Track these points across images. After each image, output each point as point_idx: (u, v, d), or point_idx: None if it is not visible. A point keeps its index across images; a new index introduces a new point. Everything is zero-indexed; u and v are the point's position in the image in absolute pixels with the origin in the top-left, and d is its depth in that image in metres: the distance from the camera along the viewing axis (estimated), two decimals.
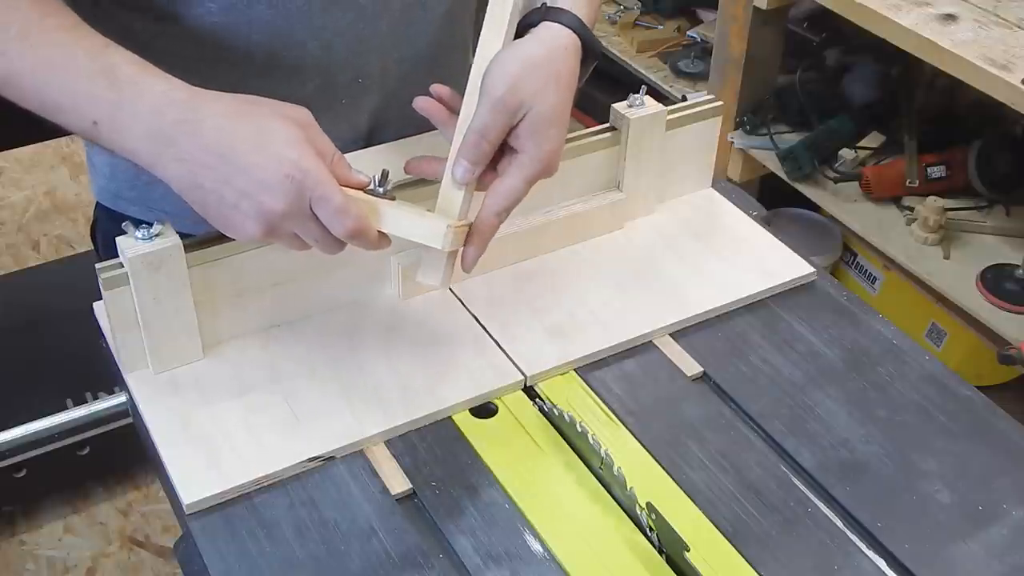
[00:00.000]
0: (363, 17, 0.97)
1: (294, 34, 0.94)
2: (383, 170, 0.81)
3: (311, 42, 0.95)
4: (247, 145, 0.75)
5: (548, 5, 0.87)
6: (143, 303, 0.85)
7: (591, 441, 0.83)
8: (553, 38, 0.85)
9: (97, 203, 1.14)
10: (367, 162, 0.85)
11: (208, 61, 0.91)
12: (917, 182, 1.97)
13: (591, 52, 0.88)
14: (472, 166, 0.83)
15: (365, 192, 0.81)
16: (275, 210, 0.75)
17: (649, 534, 0.79)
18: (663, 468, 0.85)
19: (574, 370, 0.93)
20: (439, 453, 0.85)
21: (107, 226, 1.12)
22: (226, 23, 0.92)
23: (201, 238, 0.87)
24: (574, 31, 0.86)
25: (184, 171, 0.76)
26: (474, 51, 0.86)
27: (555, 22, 0.86)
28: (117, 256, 0.84)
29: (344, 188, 0.78)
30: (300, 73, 0.96)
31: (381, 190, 0.81)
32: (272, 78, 0.95)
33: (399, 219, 0.80)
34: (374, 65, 1.01)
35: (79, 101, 0.77)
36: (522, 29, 0.87)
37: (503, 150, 0.84)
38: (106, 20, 0.84)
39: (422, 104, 0.90)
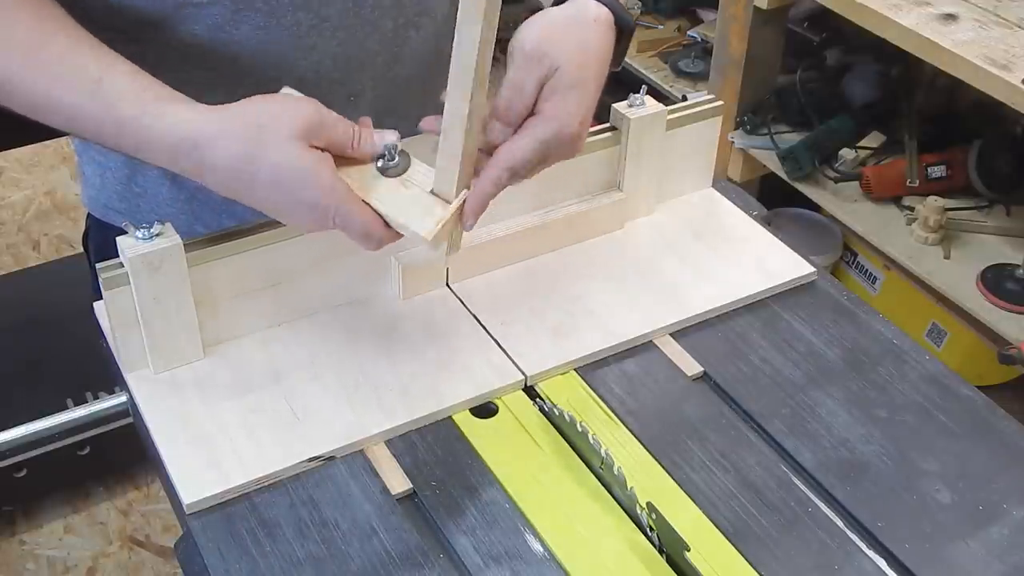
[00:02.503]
0: (353, 38, 0.96)
1: (283, 54, 0.93)
2: (391, 144, 0.81)
3: (301, 62, 0.95)
4: (263, 187, 0.77)
5: None
6: (143, 303, 0.85)
7: (591, 441, 0.83)
8: (583, 8, 0.85)
9: (88, 213, 1.13)
10: None
11: (195, 82, 0.86)
12: (917, 182, 1.97)
13: (625, 27, 0.87)
14: (505, 127, 0.81)
15: (378, 168, 0.81)
16: (303, 229, 0.82)
17: (649, 534, 0.79)
18: (663, 468, 0.85)
19: (574, 370, 0.93)
20: (439, 453, 0.85)
21: (98, 236, 1.11)
22: (212, 44, 0.91)
23: (201, 238, 0.87)
24: (604, 4, 0.85)
25: (214, 187, 0.80)
26: None
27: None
28: None
29: (346, 168, 0.79)
30: None
31: (392, 163, 0.81)
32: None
33: (390, 212, 0.80)
34: (366, 84, 1.00)
35: (104, 139, 0.80)
36: (553, 3, 0.87)
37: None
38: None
39: (428, 125, 0.86)
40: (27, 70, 0.79)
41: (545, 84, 0.82)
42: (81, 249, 2.41)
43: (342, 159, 0.80)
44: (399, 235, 0.81)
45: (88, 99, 0.78)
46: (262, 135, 0.76)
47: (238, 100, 0.79)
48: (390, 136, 0.81)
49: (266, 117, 0.77)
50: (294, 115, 0.77)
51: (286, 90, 0.83)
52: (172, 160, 0.78)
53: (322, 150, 0.78)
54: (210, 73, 0.92)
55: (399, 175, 0.81)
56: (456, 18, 0.74)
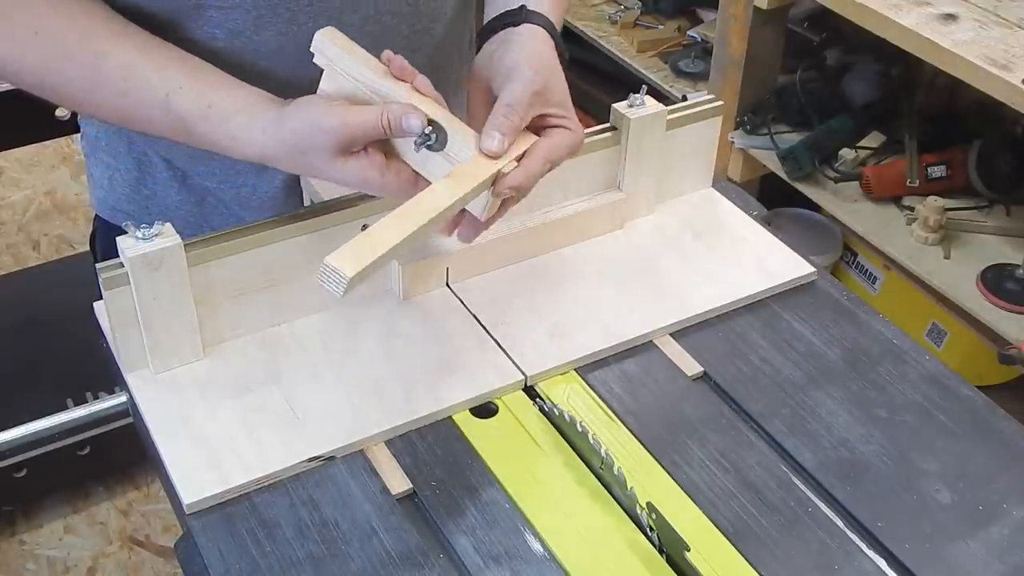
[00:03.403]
0: (373, 44, 0.96)
1: (302, 60, 0.93)
2: (429, 124, 0.83)
3: (319, 68, 0.95)
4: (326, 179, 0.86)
5: (526, 8, 0.91)
6: (143, 303, 0.85)
7: (591, 441, 0.83)
8: (543, 36, 0.90)
9: (96, 215, 1.14)
10: None
11: None
12: (917, 182, 1.97)
13: (561, 55, 0.92)
14: (503, 137, 0.84)
15: (417, 149, 0.84)
16: (381, 182, 0.84)
17: (649, 534, 0.79)
18: (663, 468, 0.85)
19: (574, 370, 0.93)
20: (439, 453, 0.85)
21: (106, 238, 1.11)
22: (231, 49, 0.92)
23: (201, 238, 0.87)
24: (549, 34, 0.91)
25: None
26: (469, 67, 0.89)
27: (536, 25, 0.90)
28: None
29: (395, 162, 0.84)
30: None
31: (431, 142, 0.83)
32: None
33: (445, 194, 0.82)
34: None
35: (160, 131, 0.88)
36: (499, 26, 0.91)
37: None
38: None
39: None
40: (90, 89, 0.86)
41: (551, 107, 0.87)
42: (81, 249, 2.40)
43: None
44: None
45: (161, 115, 0.85)
46: (307, 159, 0.83)
47: None
48: (415, 119, 0.83)
49: (303, 142, 0.82)
50: (328, 134, 0.81)
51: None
52: (227, 151, 0.86)
53: (364, 149, 0.82)
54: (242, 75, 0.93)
55: (441, 150, 0.84)
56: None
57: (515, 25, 0.90)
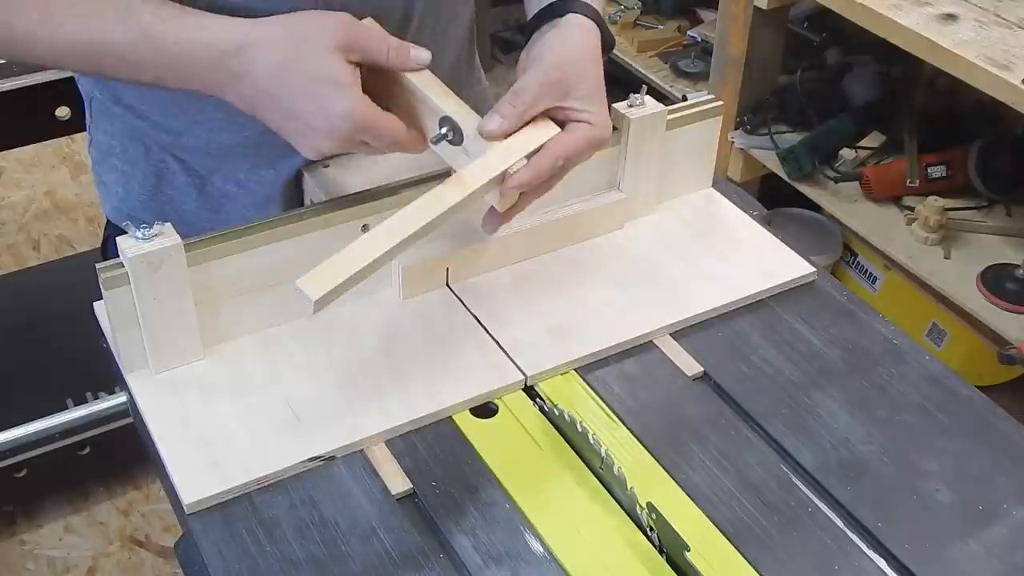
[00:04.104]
0: None
1: None
2: (445, 119, 0.85)
3: None
4: (299, 94, 0.80)
5: None
6: (143, 303, 0.85)
7: (591, 441, 0.83)
8: (584, 28, 0.89)
9: (108, 221, 1.13)
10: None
11: None
12: (917, 182, 1.97)
13: (607, 43, 0.92)
14: (502, 120, 0.84)
15: (435, 143, 0.86)
16: (328, 147, 0.83)
17: (649, 534, 0.79)
18: (663, 468, 0.85)
19: (574, 370, 0.93)
20: (439, 453, 0.85)
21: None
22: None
23: (201, 238, 0.87)
24: (596, 23, 0.90)
25: (246, 104, 0.83)
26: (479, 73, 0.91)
27: (581, 14, 0.90)
28: None
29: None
30: None
31: (450, 137, 0.85)
32: None
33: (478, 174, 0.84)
34: None
35: (135, 67, 0.83)
36: (546, 16, 0.91)
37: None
38: None
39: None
40: (49, 14, 0.81)
41: (570, 102, 0.86)
42: (81, 249, 2.40)
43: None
44: (423, 140, 0.86)
45: (119, 23, 0.81)
46: (302, 46, 0.80)
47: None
48: (424, 53, 0.84)
49: (306, 29, 0.80)
50: (333, 29, 0.80)
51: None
52: (213, 66, 0.81)
53: (358, 64, 0.81)
54: None
55: (460, 144, 0.85)
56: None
57: (560, 15, 0.90)
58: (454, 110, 0.86)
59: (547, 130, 0.86)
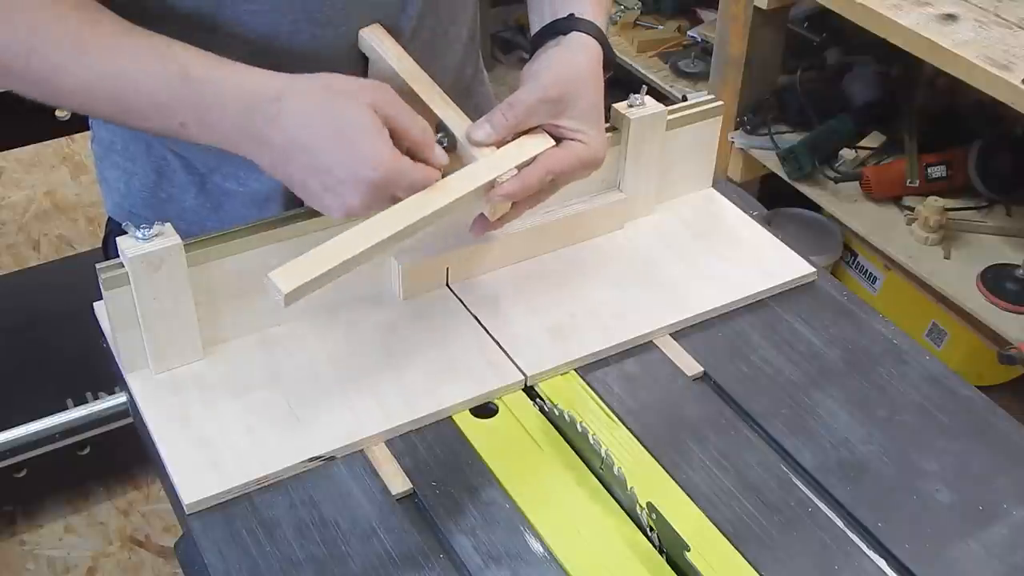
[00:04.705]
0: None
1: (335, 60, 0.94)
2: (440, 125, 0.86)
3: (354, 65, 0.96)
4: (329, 143, 0.78)
5: (575, 16, 0.91)
6: (143, 303, 0.85)
7: (591, 441, 0.83)
8: (586, 47, 0.90)
9: (109, 218, 1.13)
10: None
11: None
12: (917, 182, 1.97)
13: (608, 62, 0.92)
14: (491, 130, 0.85)
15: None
16: (356, 204, 0.80)
17: (649, 534, 0.79)
18: (663, 468, 0.85)
19: (574, 370, 0.93)
20: (439, 453, 0.85)
21: None
22: (261, 48, 0.91)
23: (201, 238, 0.87)
24: (598, 42, 0.91)
25: (272, 160, 0.81)
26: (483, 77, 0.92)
27: (584, 33, 0.90)
28: None
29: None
30: None
31: (444, 142, 0.85)
32: None
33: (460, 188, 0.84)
34: None
35: (162, 108, 0.80)
36: (550, 33, 0.91)
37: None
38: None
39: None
40: (82, 46, 0.79)
41: (564, 120, 0.86)
42: (81, 249, 2.40)
43: None
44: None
45: (156, 59, 0.79)
46: (337, 98, 0.79)
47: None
48: (443, 158, 0.84)
49: (343, 85, 0.80)
50: (369, 88, 0.80)
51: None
52: (247, 110, 0.79)
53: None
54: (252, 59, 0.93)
55: (453, 150, 0.86)
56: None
57: (564, 33, 0.90)
58: (449, 116, 0.87)
59: (541, 143, 0.87)
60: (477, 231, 0.90)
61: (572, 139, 0.87)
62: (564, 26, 0.91)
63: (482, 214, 0.88)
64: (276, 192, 1.03)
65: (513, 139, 0.87)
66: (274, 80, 0.80)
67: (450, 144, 0.86)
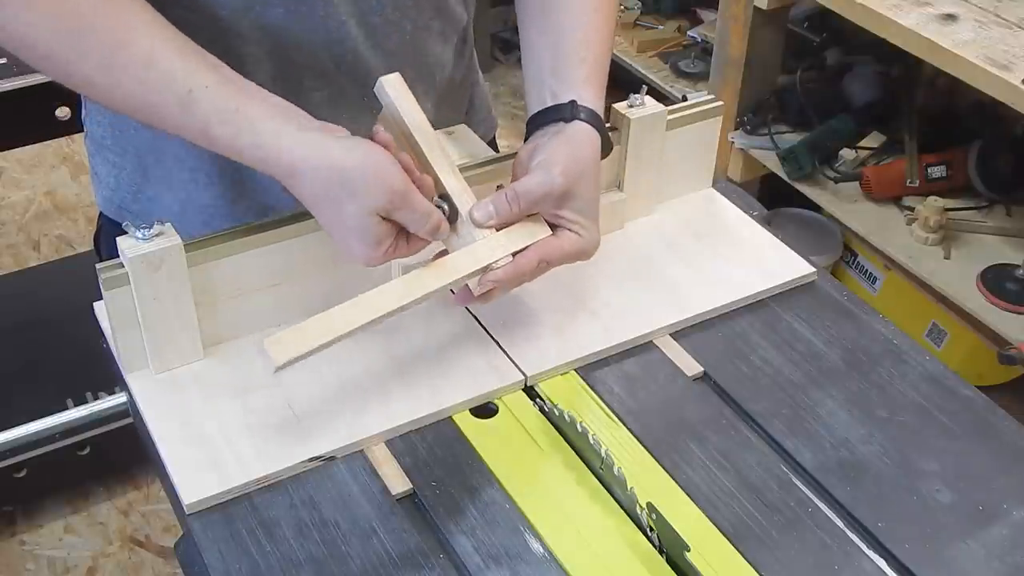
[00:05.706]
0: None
1: (307, 40, 0.94)
2: (443, 196, 0.86)
3: (323, 52, 0.96)
4: (332, 229, 0.83)
5: (577, 104, 0.90)
6: (143, 303, 0.85)
7: (591, 441, 0.83)
8: (590, 139, 0.90)
9: (101, 212, 1.14)
10: None
11: (232, 54, 0.89)
12: (917, 182, 1.97)
13: (606, 148, 0.93)
14: (495, 213, 0.86)
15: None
16: (370, 256, 0.84)
17: (649, 534, 0.79)
18: (663, 468, 0.85)
19: (574, 370, 0.93)
20: (439, 453, 0.85)
21: (111, 236, 1.11)
22: (237, 25, 0.92)
23: (201, 238, 0.87)
24: (598, 131, 0.91)
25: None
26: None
27: (585, 122, 0.90)
28: None
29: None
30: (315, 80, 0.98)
31: (445, 206, 0.86)
32: (287, 82, 0.95)
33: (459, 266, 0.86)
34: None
35: (182, 132, 0.83)
36: (550, 117, 0.91)
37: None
38: None
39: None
40: (107, 69, 0.81)
41: (566, 212, 0.88)
42: (81, 249, 2.40)
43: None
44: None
45: (179, 111, 0.80)
46: (342, 197, 0.80)
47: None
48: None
49: (355, 178, 0.80)
50: (380, 191, 0.80)
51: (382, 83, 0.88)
52: (264, 167, 0.82)
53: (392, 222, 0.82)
54: (246, 49, 0.93)
55: (454, 222, 0.86)
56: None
57: (566, 121, 0.90)
58: (454, 189, 0.87)
59: (538, 231, 0.88)
60: (460, 300, 0.89)
61: (569, 229, 0.88)
62: (567, 113, 0.90)
63: (467, 286, 0.88)
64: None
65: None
66: (288, 154, 0.80)
67: (450, 216, 0.86)
